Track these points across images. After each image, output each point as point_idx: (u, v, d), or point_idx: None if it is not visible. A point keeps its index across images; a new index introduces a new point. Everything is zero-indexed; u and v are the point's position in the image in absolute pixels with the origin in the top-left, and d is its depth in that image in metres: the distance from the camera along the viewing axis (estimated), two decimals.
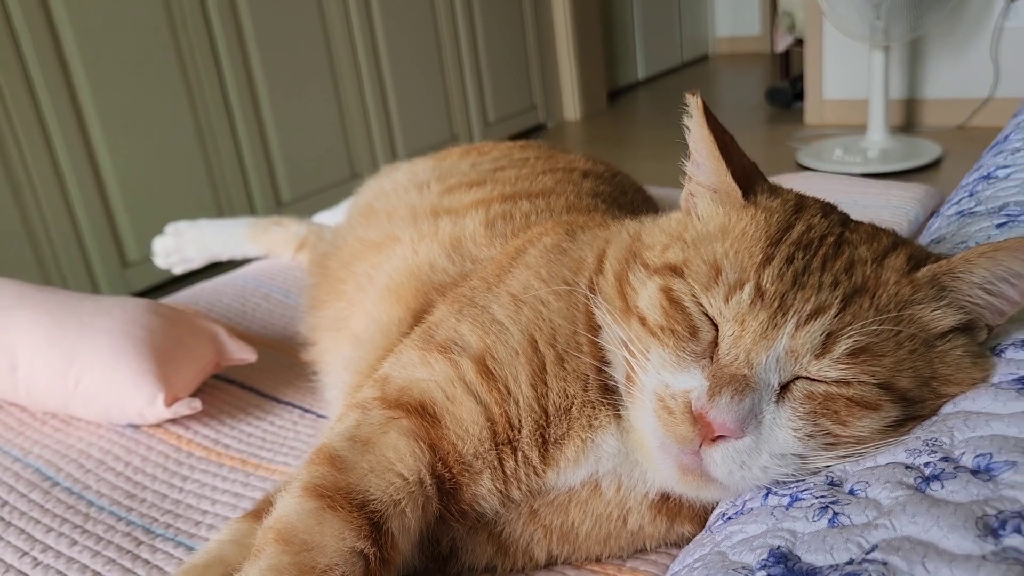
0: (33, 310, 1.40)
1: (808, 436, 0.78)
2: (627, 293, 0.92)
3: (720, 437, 0.79)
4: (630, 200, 1.58)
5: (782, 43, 6.07)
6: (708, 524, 0.89)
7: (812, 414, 0.78)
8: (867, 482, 0.73)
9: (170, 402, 1.34)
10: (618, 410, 0.92)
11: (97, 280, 3.56)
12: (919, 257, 0.85)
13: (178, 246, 2.14)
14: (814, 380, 0.79)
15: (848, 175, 2.83)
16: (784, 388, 0.80)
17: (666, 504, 0.95)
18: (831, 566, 0.64)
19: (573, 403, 0.93)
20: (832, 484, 0.76)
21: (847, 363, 0.77)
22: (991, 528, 0.61)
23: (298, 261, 2.05)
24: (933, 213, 1.87)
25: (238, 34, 4.01)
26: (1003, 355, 0.83)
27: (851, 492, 0.74)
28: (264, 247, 2.12)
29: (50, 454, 1.32)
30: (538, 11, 6.13)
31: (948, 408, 0.80)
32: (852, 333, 0.77)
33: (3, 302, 1.42)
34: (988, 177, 1.31)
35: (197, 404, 1.36)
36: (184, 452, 1.33)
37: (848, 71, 5.31)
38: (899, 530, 0.65)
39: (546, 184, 1.46)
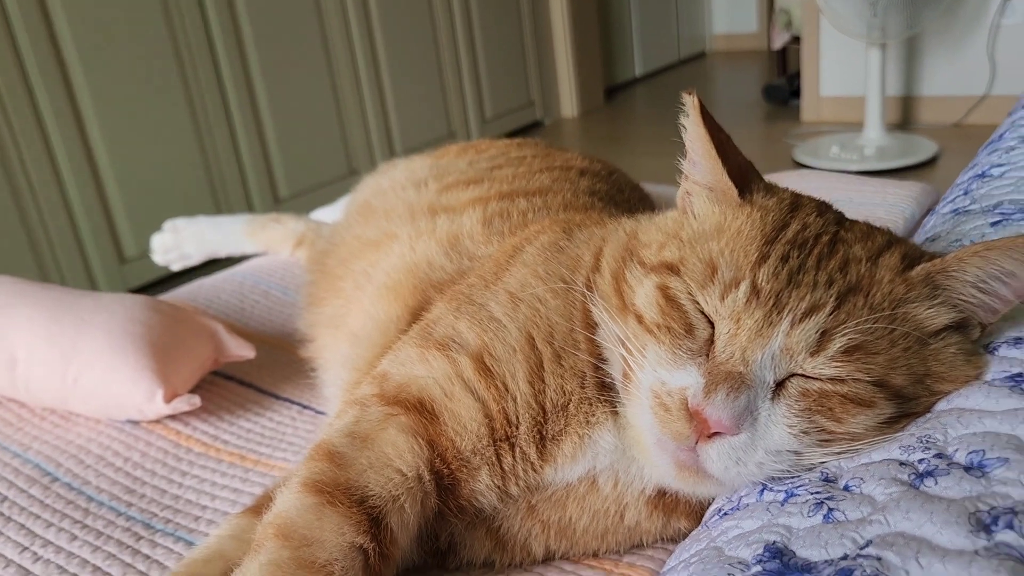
0: (32, 307, 1.41)
1: (803, 433, 0.79)
2: (624, 291, 0.93)
3: (716, 434, 0.79)
4: (627, 198, 1.59)
5: (779, 40, 6.07)
6: (704, 520, 0.89)
7: (807, 411, 0.79)
8: (862, 478, 0.74)
9: (169, 398, 1.35)
10: (615, 407, 0.93)
11: (95, 276, 3.56)
12: (913, 256, 0.86)
13: (176, 243, 2.14)
14: (809, 377, 0.80)
15: (844, 172, 2.84)
16: (779, 385, 0.80)
17: (663, 500, 0.96)
18: (826, 561, 0.65)
19: (570, 400, 0.94)
20: (827, 480, 0.77)
21: (842, 361, 0.78)
22: (984, 524, 0.62)
23: (296, 258, 2.05)
24: (929, 211, 1.88)
25: (235, 31, 4.01)
26: (996, 353, 0.84)
27: (846, 488, 0.74)
28: (262, 244, 2.13)
29: (49, 450, 1.32)
30: (535, 8, 6.13)
31: (942, 405, 0.80)
32: (846, 331, 0.78)
33: (2, 300, 1.42)
34: (983, 175, 1.32)
35: (196, 400, 1.37)
36: (183, 448, 1.34)
37: (845, 68, 5.32)
38: (893, 526, 0.66)
39: (543, 182, 1.46)
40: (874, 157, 4.53)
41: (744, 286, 0.81)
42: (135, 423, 1.40)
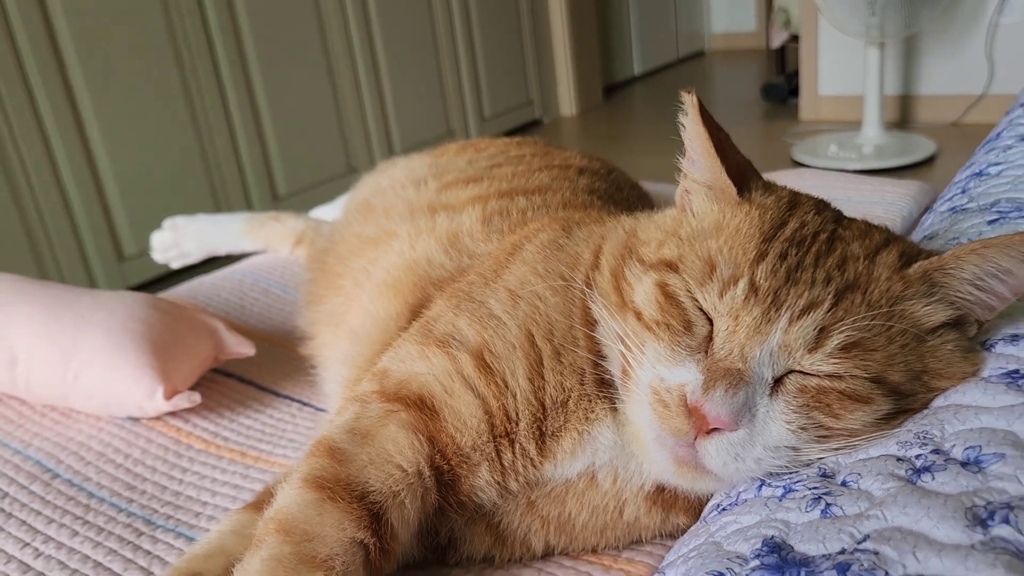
0: (32, 305, 1.41)
1: (801, 429, 0.80)
2: (623, 288, 0.93)
3: (715, 430, 0.80)
4: (625, 196, 1.60)
5: (778, 39, 6.08)
6: (703, 515, 0.90)
7: (805, 407, 0.80)
8: (859, 474, 0.75)
9: (169, 395, 1.35)
10: (614, 403, 0.93)
11: (94, 274, 3.57)
12: (911, 253, 0.87)
13: (176, 241, 2.15)
14: (807, 374, 0.80)
15: (843, 171, 2.85)
16: (777, 382, 0.81)
17: (661, 496, 0.97)
18: (823, 556, 0.65)
19: (570, 396, 0.95)
20: (825, 476, 0.78)
21: (839, 357, 0.79)
22: (980, 519, 0.63)
23: (296, 256, 2.06)
24: (927, 209, 1.88)
25: (234, 30, 4.01)
26: (993, 350, 0.84)
27: (843, 484, 0.75)
28: (261, 242, 2.13)
29: (50, 446, 1.33)
30: (534, 6, 6.14)
31: (939, 402, 0.81)
32: (844, 328, 0.79)
33: (2, 297, 1.43)
34: (980, 174, 1.33)
35: (196, 397, 1.38)
36: (183, 445, 1.34)
37: (843, 67, 5.33)
38: (890, 521, 0.66)
39: (542, 181, 1.47)
40: (872, 156, 4.54)
41: (742, 283, 0.82)
42: (135, 420, 1.40)
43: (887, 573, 0.61)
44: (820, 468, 0.80)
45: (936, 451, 0.73)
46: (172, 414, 1.41)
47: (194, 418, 1.41)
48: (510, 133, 5.77)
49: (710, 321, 0.84)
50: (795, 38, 5.82)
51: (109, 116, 3.53)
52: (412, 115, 5.15)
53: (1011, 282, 0.82)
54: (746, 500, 0.81)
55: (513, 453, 0.94)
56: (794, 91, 5.91)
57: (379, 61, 4.86)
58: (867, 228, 0.91)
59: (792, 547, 0.68)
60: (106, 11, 3.48)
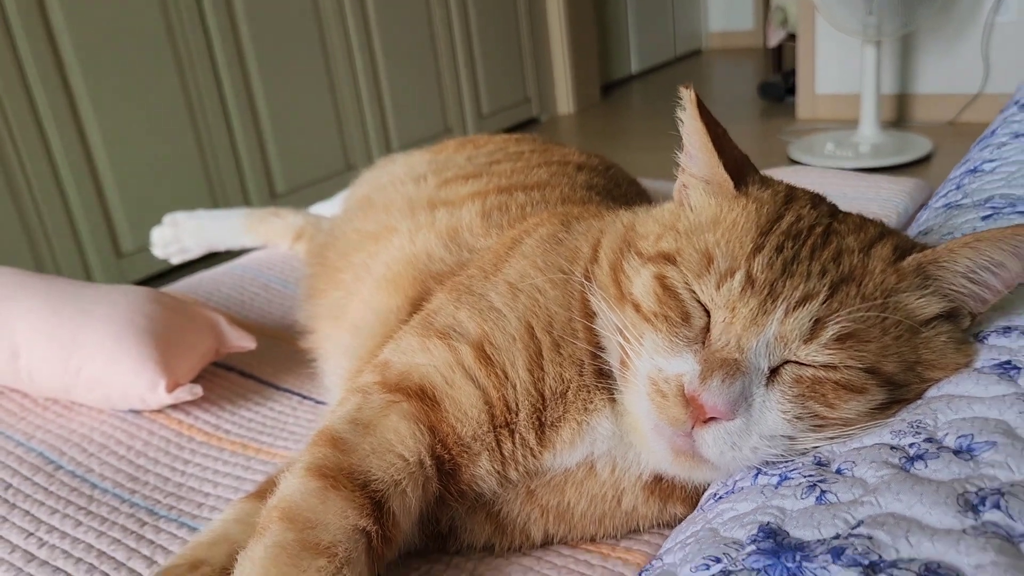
0: (34, 298, 1.42)
1: (797, 418, 0.81)
2: (621, 281, 0.95)
3: (712, 419, 0.81)
4: (624, 192, 1.61)
5: (775, 38, 6.09)
6: (700, 504, 0.91)
7: (801, 397, 0.81)
8: (854, 462, 0.76)
9: (171, 388, 1.36)
10: (613, 394, 0.95)
11: (92, 271, 3.57)
12: (905, 247, 0.88)
13: (176, 236, 2.16)
14: (803, 364, 0.81)
15: (839, 170, 2.86)
16: (774, 372, 0.82)
17: (659, 485, 0.98)
18: (818, 540, 0.67)
19: (569, 387, 0.96)
20: (820, 464, 0.79)
21: (834, 348, 0.80)
22: (971, 504, 0.64)
23: (295, 251, 2.07)
24: (922, 206, 1.90)
25: (232, 27, 4.01)
26: (986, 341, 0.86)
27: (838, 471, 0.76)
28: (261, 238, 2.14)
29: (53, 439, 1.34)
30: (532, 5, 6.15)
31: (932, 392, 0.82)
32: (839, 319, 0.80)
33: (4, 291, 1.44)
34: (975, 171, 1.34)
35: (198, 390, 1.38)
36: (185, 437, 1.35)
37: (840, 66, 5.34)
38: (884, 507, 0.68)
39: (541, 177, 1.48)
40: (869, 154, 4.55)
41: (739, 275, 0.83)
42: (137, 413, 1.41)
43: (881, 557, 0.62)
44: (815, 456, 0.81)
45: (929, 439, 0.74)
46: (174, 407, 1.42)
47: (195, 411, 1.42)
48: (508, 131, 5.77)
49: (707, 313, 0.85)
50: (792, 37, 5.84)
51: (107, 114, 3.54)
52: (410, 112, 5.15)
53: (1003, 275, 0.83)
54: (742, 488, 0.82)
55: (513, 443, 0.95)
56: (791, 89, 5.93)
57: (377, 58, 4.87)
58: (862, 222, 0.92)
59: (788, 532, 0.70)
60: (105, 8, 3.49)
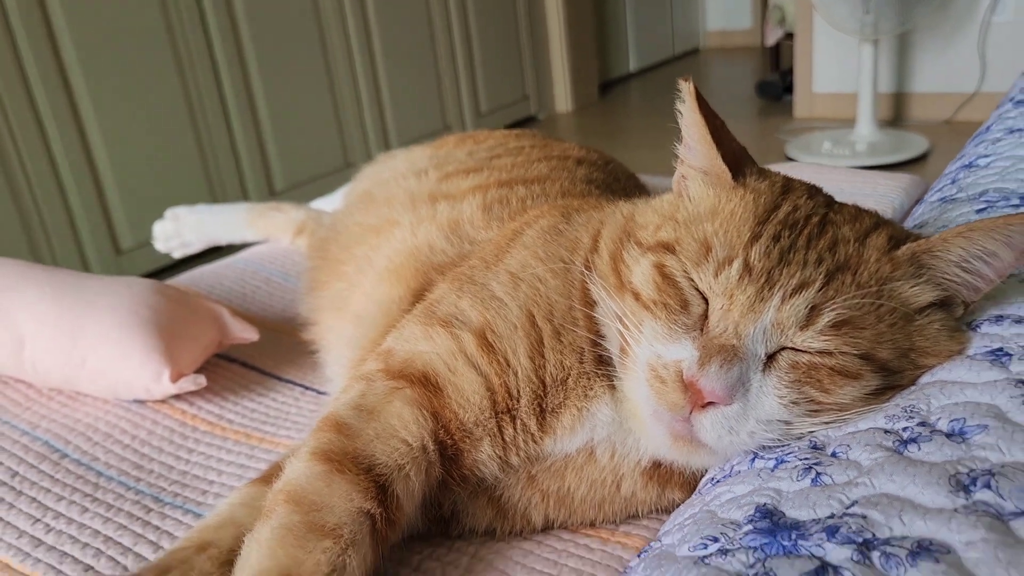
0: (39, 289, 1.43)
1: (793, 403, 0.83)
2: (621, 270, 0.96)
3: (710, 404, 0.83)
4: (623, 187, 1.62)
5: (772, 36, 6.11)
6: (698, 488, 0.93)
7: (797, 382, 0.83)
8: (848, 445, 0.78)
9: (175, 378, 1.38)
10: (612, 381, 0.96)
11: (91, 268, 3.58)
12: (899, 236, 0.90)
13: (177, 230, 2.17)
14: (799, 350, 0.83)
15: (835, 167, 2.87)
16: (770, 358, 0.84)
17: (657, 471, 1.00)
18: (814, 520, 0.68)
19: (569, 374, 0.98)
20: (815, 448, 0.81)
21: (830, 335, 0.82)
22: (963, 485, 0.66)
23: (296, 246, 2.08)
24: (918, 201, 1.91)
25: (232, 25, 4.02)
26: (978, 330, 0.87)
27: (833, 455, 0.78)
28: (262, 232, 2.15)
29: (58, 428, 1.35)
30: (531, 3, 6.16)
31: (926, 378, 0.84)
32: (835, 306, 0.82)
33: (9, 281, 1.45)
34: (970, 166, 1.36)
35: (202, 380, 1.40)
36: (189, 427, 1.37)
37: (837, 65, 5.36)
38: (878, 487, 0.69)
39: (541, 171, 1.50)
40: (866, 153, 4.57)
41: (737, 263, 0.85)
42: (141, 403, 1.43)
43: (874, 535, 0.64)
44: (811, 441, 0.83)
45: (922, 423, 0.76)
46: (177, 397, 1.44)
47: (199, 401, 1.43)
48: (506, 128, 5.79)
49: (705, 300, 0.87)
50: (790, 36, 5.85)
51: (107, 112, 3.55)
52: (408, 110, 5.17)
53: (996, 264, 0.85)
54: (739, 472, 0.84)
55: (514, 429, 0.97)
56: (788, 88, 5.94)
57: (376, 56, 4.88)
58: (857, 212, 0.94)
59: (784, 513, 0.71)
60: (105, 7, 3.50)
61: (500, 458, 0.98)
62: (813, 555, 0.64)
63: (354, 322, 1.29)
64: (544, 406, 0.97)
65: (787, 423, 0.83)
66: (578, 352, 0.98)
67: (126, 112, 3.62)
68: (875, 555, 0.62)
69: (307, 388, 1.49)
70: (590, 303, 0.99)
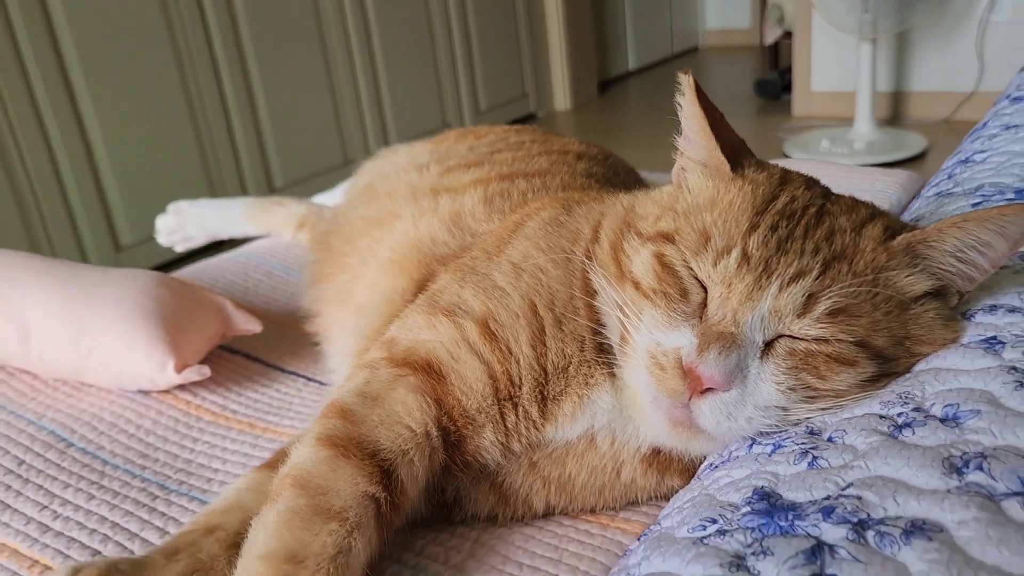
0: (44, 280, 1.44)
1: (790, 389, 0.84)
2: (621, 260, 0.98)
3: (708, 390, 0.84)
4: (623, 181, 1.64)
5: (771, 35, 6.12)
6: (697, 474, 0.94)
7: (794, 369, 0.84)
8: (844, 430, 0.79)
9: (180, 369, 1.39)
10: (612, 369, 0.98)
11: (90, 263, 3.57)
12: (895, 227, 0.91)
13: (180, 224, 2.18)
14: (796, 338, 0.85)
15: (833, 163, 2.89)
16: (768, 345, 0.85)
17: (657, 458, 1.01)
18: (810, 501, 0.70)
19: (570, 362, 0.99)
20: (812, 433, 0.82)
21: (826, 322, 0.83)
22: (956, 467, 0.68)
23: (298, 240, 2.09)
24: (915, 197, 1.93)
25: (232, 22, 4.03)
26: (973, 319, 0.89)
27: (829, 439, 0.79)
28: (264, 226, 2.17)
29: (63, 417, 1.36)
30: (530, 1, 6.17)
31: (921, 366, 0.86)
32: (831, 295, 0.83)
33: (14, 273, 1.46)
34: (966, 161, 1.37)
35: (206, 370, 1.41)
36: (193, 417, 1.38)
37: (836, 63, 5.37)
38: (873, 470, 0.71)
39: (542, 165, 1.51)
40: (864, 152, 4.59)
41: (735, 253, 0.86)
42: (145, 393, 1.44)
43: (869, 515, 0.65)
44: (807, 426, 0.84)
45: (917, 409, 0.78)
46: (181, 388, 1.45)
47: (203, 392, 1.45)
48: None
49: (704, 289, 0.89)
50: (788, 34, 5.86)
51: (107, 108, 3.56)
52: (408, 108, 5.18)
53: (990, 254, 0.87)
54: (738, 457, 0.86)
55: (516, 415, 0.99)
56: (787, 87, 5.96)
57: (376, 54, 4.89)
58: (854, 203, 0.96)
59: (781, 495, 0.73)
60: (105, 5, 3.51)
61: (502, 444, 0.99)
62: (809, 534, 0.66)
63: (357, 313, 1.31)
64: (545, 393, 0.99)
65: (784, 409, 0.85)
66: (579, 340, 1.00)
67: (126, 109, 3.63)
68: (870, 534, 0.63)
69: (310, 379, 1.50)
70: (591, 292, 1.01)
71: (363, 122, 4.86)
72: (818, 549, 0.63)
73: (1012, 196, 1.12)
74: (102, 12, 3.50)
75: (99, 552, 1.06)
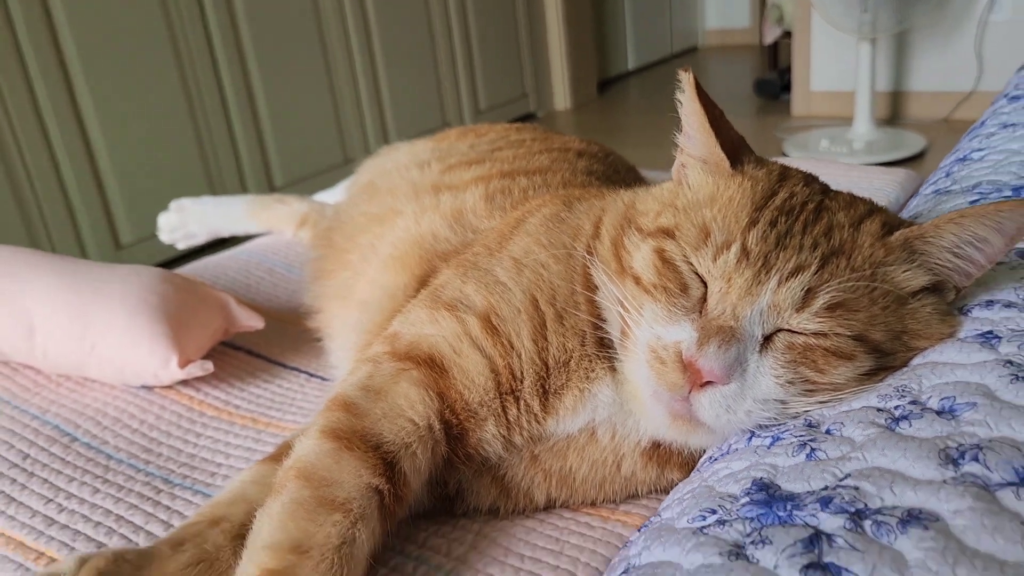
0: (48, 276, 1.45)
1: (789, 383, 0.85)
2: (622, 256, 0.99)
3: (708, 383, 0.85)
4: (623, 178, 1.65)
5: (770, 35, 6.13)
6: (696, 467, 0.96)
7: (792, 363, 0.85)
8: (842, 423, 0.80)
9: (183, 364, 1.40)
10: (613, 363, 0.99)
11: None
12: (893, 223, 0.92)
13: (182, 222, 2.19)
14: (794, 332, 0.86)
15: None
16: (767, 339, 0.86)
17: (657, 452, 1.02)
18: (808, 492, 0.71)
19: (571, 357, 1.00)
20: (810, 426, 0.83)
21: (824, 317, 0.84)
22: (952, 458, 0.69)
23: (299, 237, 2.10)
24: (913, 195, 1.94)
25: (232, 21, 4.04)
26: (969, 314, 0.90)
27: (827, 432, 0.80)
28: (266, 224, 2.18)
29: (67, 412, 1.37)
30: (530, 1, 6.18)
31: (918, 360, 0.87)
32: (829, 289, 0.84)
33: (18, 268, 1.47)
34: (964, 159, 1.38)
35: (209, 366, 1.42)
36: (196, 412, 1.39)
37: (835, 63, 5.38)
38: (870, 461, 0.72)
39: (542, 163, 1.52)
40: (863, 151, 4.60)
41: (735, 248, 0.87)
42: (149, 389, 1.45)
43: (866, 505, 0.67)
44: (806, 419, 0.85)
45: (914, 402, 0.79)
46: (184, 383, 1.46)
47: (206, 387, 1.46)
48: None
49: (704, 284, 0.90)
50: (788, 34, 5.87)
51: (107, 107, 3.56)
52: (408, 107, 5.18)
53: (987, 250, 0.88)
54: (737, 450, 0.87)
55: (518, 409, 1.00)
56: (786, 87, 5.96)
57: (376, 53, 4.89)
58: (852, 199, 0.97)
59: (779, 486, 0.74)
60: (106, 4, 3.51)
61: (504, 438, 1.00)
62: (807, 524, 0.67)
63: (360, 308, 1.32)
64: (547, 387, 1.00)
65: (783, 402, 0.86)
66: (580, 335, 1.01)
67: (126, 108, 3.63)
68: (867, 523, 0.64)
69: (312, 375, 1.51)
70: (592, 287, 1.02)
71: (363, 121, 4.86)
72: (816, 538, 0.64)
73: (1009, 193, 1.14)
74: (102, 11, 3.50)
75: (104, 545, 1.07)
